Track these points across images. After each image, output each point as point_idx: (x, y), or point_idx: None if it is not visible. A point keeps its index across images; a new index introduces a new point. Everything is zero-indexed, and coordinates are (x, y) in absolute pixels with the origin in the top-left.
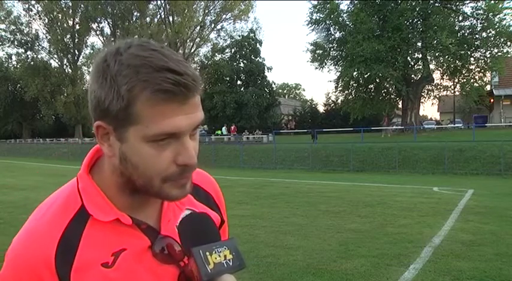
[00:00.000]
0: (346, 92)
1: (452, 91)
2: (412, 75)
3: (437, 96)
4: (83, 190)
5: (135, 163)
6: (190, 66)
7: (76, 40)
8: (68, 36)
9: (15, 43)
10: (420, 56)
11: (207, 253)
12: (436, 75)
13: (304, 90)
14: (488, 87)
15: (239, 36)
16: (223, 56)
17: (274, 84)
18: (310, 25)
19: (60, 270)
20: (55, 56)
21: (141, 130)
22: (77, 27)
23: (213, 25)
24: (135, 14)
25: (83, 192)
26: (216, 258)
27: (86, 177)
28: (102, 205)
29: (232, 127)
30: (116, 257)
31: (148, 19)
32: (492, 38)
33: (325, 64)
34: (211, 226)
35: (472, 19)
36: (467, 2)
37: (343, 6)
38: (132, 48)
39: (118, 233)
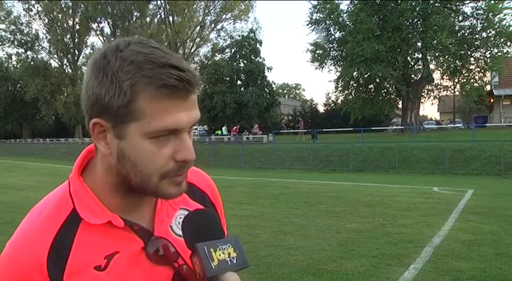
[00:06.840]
0: (346, 92)
1: (452, 91)
2: (412, 75)
3: (437, 96)
4: (74, 193)
5: (134, 160)
6: (189, 64)
7: (76, 40)
8: (68, 36)
9: (15, 43)
10: (420, 56)
11: (212, 250)
12: (436, 75)
13: (304, 90)
14: (488, 87)
15: (239, 36)
16: (223, 56)
17: (274, 84)
18: (310, 25)
19: (52, 274)
20: (55, 56)
21: (142, 126)
22: (77, 27)
23: (213, 25)
24: (135, 14)
25: (74, 195)
26: (220, 255)
27: (77, 180)
28: (94, 208)
29: (234, 128)
30: (108, 260)
31: (148, 19)
32: (492, 38)
33: (325, 64)
34: (216, 222)
35: (472, 19)
36: (467, 2)
37: (343, 6)
38: (132, 45)
39: (110, 235)
